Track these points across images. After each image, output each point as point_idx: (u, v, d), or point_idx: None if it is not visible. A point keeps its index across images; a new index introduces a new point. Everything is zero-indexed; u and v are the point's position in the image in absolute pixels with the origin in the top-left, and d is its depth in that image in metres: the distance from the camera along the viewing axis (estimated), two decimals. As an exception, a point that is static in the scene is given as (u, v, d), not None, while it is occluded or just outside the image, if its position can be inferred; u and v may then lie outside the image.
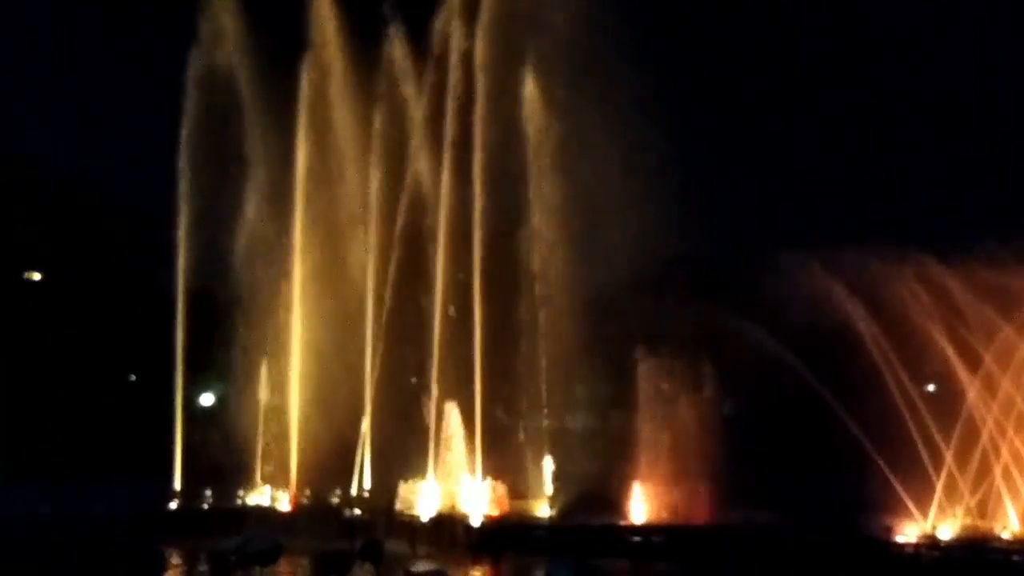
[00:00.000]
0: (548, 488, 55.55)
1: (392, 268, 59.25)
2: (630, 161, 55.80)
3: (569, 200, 56.96)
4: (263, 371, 60.81)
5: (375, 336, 59.12)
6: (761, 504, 50.61)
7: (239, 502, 59.58)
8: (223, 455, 61.02)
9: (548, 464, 56.02)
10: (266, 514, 57.16)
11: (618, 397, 56.65)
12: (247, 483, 60.38)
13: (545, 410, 56.76)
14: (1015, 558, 44.65)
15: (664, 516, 51.78)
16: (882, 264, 50.76)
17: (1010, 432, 48.92)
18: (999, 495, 48.65)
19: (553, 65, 57.35)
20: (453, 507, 54.44)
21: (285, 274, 61.24)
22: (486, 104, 57.74)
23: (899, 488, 48.10)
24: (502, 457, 56.59)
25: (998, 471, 48.71)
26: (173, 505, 59.31)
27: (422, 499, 55.31)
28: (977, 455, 48.82)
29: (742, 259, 61.71)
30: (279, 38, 61.60)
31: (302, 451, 59.31)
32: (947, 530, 47.37)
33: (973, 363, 49.50)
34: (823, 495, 48.89)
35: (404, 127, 60.14)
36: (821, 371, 50.06)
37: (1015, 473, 48.65)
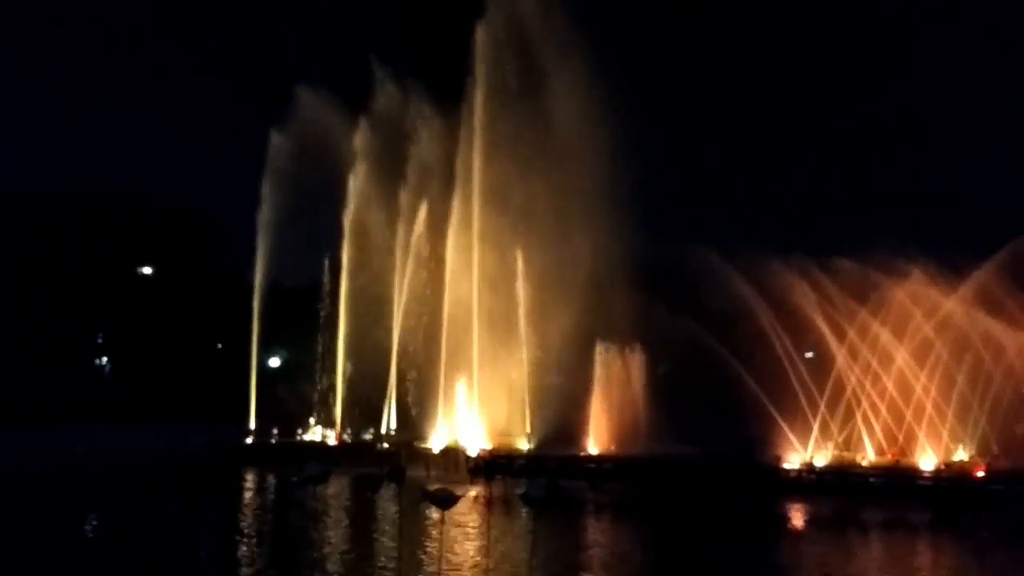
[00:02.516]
0: (527, 428, 55.78)
1: (411, 270, 59.54)
2: (591, 187, 56.17)
3: (546, 219, 57.43)
4: (317, 342, 61.21)
5: (400, 316, 59.41)
6: (685, 439, 50.81)
7: (298, 439, 60.11)
8: (286, 404, 61.48)
9: (527, 410, 56.35)
10: (318, 448, 57.63)
11: (581, 360, 56.39)
12: (304, 425, 60.89)
13: (526, 369, 56.95)
14: (871, 479, 45.13)
15: (612, 449, 52.09)
16: (774, 262, 51.20)
17: (868, 387, 49.39)
18: (859, 433, 49.18)
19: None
20: (456, 442, 54.77)
21: (334, 269, 61.59)
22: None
23: (785, 428, 48.48)
24: (494, 404, 56.78)
25: (859, 416, 49.23)
26: (249, 441, 59.70)
27: (434, 436, 55.77)
28: (843, 404, 49.29)
29: (674, 258, 61.08)
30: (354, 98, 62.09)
31: (345, 401, 59.70)
32: (821, 459, 47.77)
33: (841, 336, 50.01)
34: (730, 433, 48.91)
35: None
36: (729, 341, 50.32)
37: (871, 417, 49.19)
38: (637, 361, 53.94)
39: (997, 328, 47.18)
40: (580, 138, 56.42)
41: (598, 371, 53.90)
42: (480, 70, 57.52)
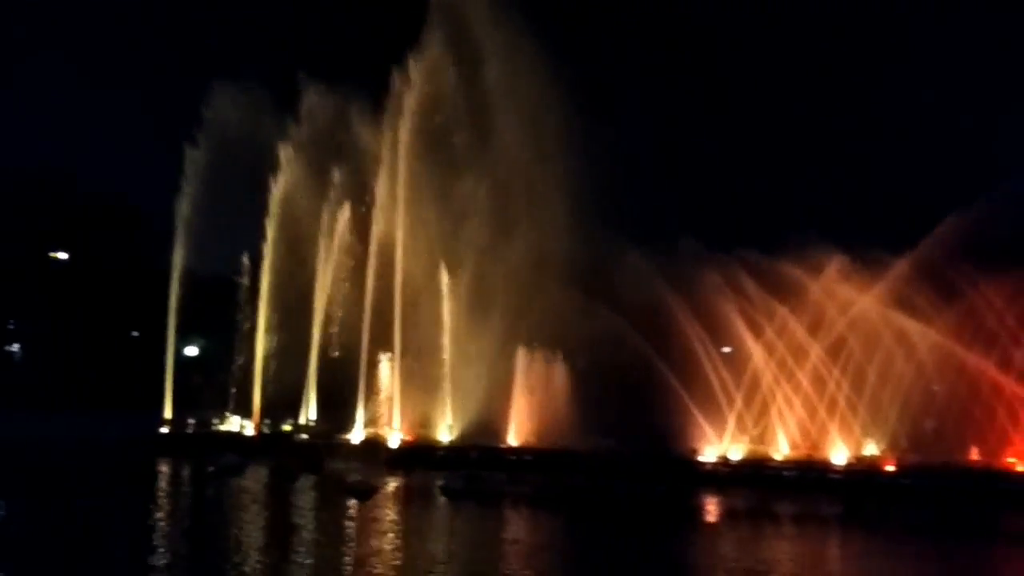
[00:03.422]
0: (448, 419, 55.74)
1: (334, 265, 59.08)
2: (519, 188, 56.34)
3: (472, 214, 57.40)
4: (236, 330, 60.28)
5: (322, 309, 58.90)
6: (605, 432, 50.93)
7: (215, 428, 59.10)
8: (203, 392, 60.58)
9: (448, 402, 56.29)
10: (235, 438, 56.80)
11: (503, 352, 56.35)
12: (221, 414, 59.92)
13: (447, 361, 56.87)
14: (784, 473, 45.96)
15: (532, 441, 52.08)
16: (694, 260, 51.64)
17: (783, 382, 50.14)
18: (774, 428, 49.89)
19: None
20: (377, 433, 54.42)
21: (254, 260, 60.76)
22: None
23: (702, 422, 49.07)
24: (415, 396, 56.52)
25: (774, 411, 49.97)
26: (164, 430, 58.52)
27: (354, 427, 55.26)
28: (759, 398, 50.01)
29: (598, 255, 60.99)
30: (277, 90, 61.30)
31: (264, 390, 58.95)
32: (736, 452, 48.43)
33: (757, 332, 50.64)
34: (648, 426, 49.17)
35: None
36: (649, 337, 50.64)
37: (785, 412, 49.92)
38: (559, 354, 53.93)
39: (909, 326, 48.17)
40: (514, 136, 56.53)
41: (520, 363, 53.79)
42: (414, 65, 57.38)
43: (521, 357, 54.11)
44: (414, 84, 57.55)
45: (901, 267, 49.46)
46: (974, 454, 46.52)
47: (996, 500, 40.41)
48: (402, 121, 57.92)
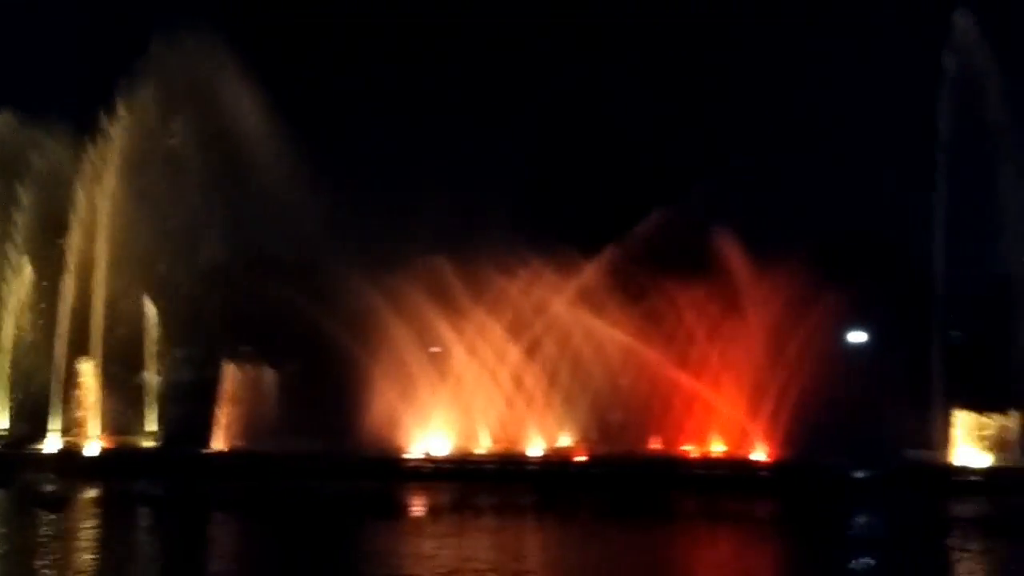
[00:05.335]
0: (151, 426, 54.00)
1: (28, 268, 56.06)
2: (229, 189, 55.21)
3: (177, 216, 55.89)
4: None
5: (13, 310, 55.53)
6: (313, 434, 50.12)
7: None
8: None
9: (153, 407, 54.39)
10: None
11: (211, 357, 54.91)
12: None
13: (156, 366, 55.07)
14: (486, 466, 47.46)
15: (238, 445, 51.05)
16: (399, 266, 52.40)
17: (484, 379, 51.60)
18: (476, 423, 51.30)
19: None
20: (74, 442, 51.78)
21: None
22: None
23: (409, 419, 49.90)
24: (118, 402, 54.22)
25: (476, 407, 51.34)
26: None
27: (50, 437, 52.35)
28: (463, 395, 51.29)
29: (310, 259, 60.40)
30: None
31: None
32: (441, 448, 49.38)
33: (461, 332, 51.97)
34: (356, 426, 48.96)
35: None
36: (358, 337, 50.81)
37: (487, 408, 51.49)
38: (267, 357, 53.26)
39: (596, 324, 50.97)
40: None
41: (226, 366, 52.55)
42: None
43: (227, 360, 52.82)
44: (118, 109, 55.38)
45: (592, 268, 52.11)
46: (655, 443, 49.79)
47: (673, 484, 43.41)
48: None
